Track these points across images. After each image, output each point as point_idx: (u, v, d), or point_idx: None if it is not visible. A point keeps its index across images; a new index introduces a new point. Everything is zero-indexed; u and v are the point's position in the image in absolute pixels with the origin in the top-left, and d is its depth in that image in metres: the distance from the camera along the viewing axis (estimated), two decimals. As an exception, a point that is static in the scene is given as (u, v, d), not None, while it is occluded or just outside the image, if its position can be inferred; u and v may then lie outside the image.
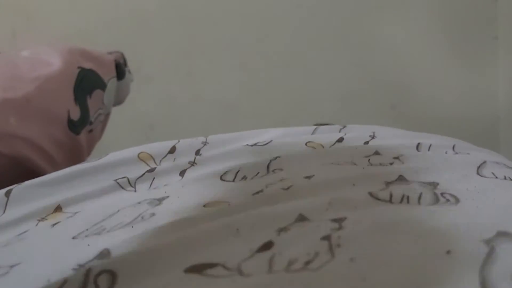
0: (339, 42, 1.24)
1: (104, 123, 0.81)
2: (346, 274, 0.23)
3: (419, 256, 0.24)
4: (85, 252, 0.29)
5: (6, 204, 0.42)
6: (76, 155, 0.70)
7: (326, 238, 0.26)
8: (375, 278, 0.23)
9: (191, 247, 0.28)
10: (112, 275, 0.25)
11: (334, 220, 0.29)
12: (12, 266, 0.30)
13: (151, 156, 0.48)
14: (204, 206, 0.34)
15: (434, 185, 0.35)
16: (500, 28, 1.23)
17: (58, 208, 0.41)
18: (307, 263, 0.24)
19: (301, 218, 0.29)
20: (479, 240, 0.25)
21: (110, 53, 0.81)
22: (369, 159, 0.43)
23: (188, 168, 0.46)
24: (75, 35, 1.15)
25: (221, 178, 0.42)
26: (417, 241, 0.26)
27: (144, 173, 0.45)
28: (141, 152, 0.49)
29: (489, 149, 0.53)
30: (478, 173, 0.39)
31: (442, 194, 0.33)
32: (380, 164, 0.41)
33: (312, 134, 0.55)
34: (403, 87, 1.27)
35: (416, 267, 0.23)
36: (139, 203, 0.37)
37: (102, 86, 0.75)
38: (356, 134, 0.53)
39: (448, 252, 0.24)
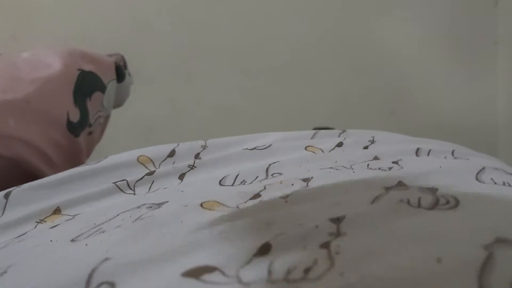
0: (339, 47, 1.24)
1: (103, 126, 0.81)
2: (347, 284, 0.23)
3: (417, 262, 0.24)
4: (84, 256, 0.29)
5: (5, 206, 0.42)
6: (75, 157, 0.70)
7: (325, 246, 0.26)
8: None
9: (188, 250, 0.27)
10: (111, 285, 0.25)
11: (332, 221, 0.29)
12: (9, 267, 0.30)
13: (151, 160, 0.48)
14: (201, 205, 0.34)
15: (433, 190, 0.35)
16: (500, 33, 1.23)
17: (57, 210, 0.41)
18: (307, 271, 0.24)
19: (299, 222, 0.29)
20: (478, 245, 0.25)
21: (110, 55, 0.81)
22: (368, 164, 0.43)
23: (188, 171, 0.46)
24: (75, 37, 1.15)
25: (220, 182, 0.42)
26: (416, 246, 0.26)
27: (143, 176, 0.45)
28: (141, 155, 0.48)
29: (488, 154, 0.53)
30: (477, 179, 0.39)
31: (442, 195, 0.33)
32: (379, 169, 0.41)
33: (311, 139, 0.55)
34: (403, 93, 1.27)
35: (414, 273, 0.23)
36: (138, 207, 0.37)
37: (102, 88, 0.75)
38: (355, 138, 0.53)
39: (447, 257, 0.24)
